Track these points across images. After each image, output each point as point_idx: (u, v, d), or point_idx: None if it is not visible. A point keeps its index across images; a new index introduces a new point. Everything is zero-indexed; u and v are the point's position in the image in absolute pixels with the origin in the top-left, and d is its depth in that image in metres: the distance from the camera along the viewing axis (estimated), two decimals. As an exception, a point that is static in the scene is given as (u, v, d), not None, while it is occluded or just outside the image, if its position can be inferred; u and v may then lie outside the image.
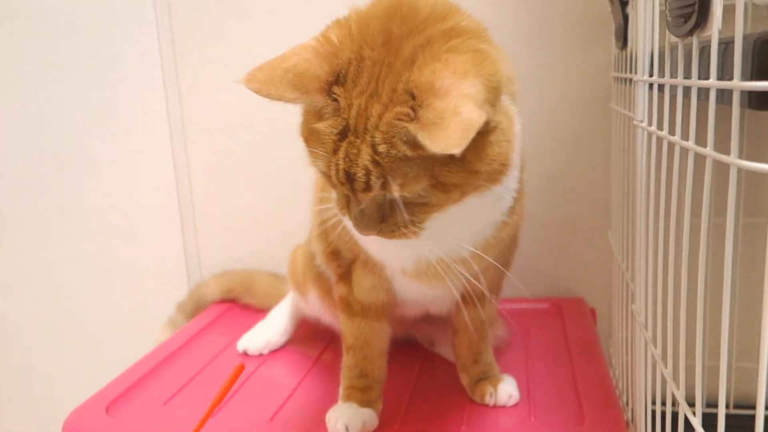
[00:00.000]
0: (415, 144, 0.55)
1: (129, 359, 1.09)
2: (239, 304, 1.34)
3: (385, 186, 0.58)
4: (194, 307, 1.33)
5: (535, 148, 1.25)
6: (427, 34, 0.58)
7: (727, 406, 1.14)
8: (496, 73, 0.58)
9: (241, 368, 0.98)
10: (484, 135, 0.57)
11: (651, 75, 0.68)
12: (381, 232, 0.63)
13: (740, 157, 0.43)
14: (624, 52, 0.94)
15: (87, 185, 1.43)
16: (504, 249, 0.81)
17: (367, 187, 0.58)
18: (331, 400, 0.86)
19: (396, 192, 0.58)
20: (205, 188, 1.42)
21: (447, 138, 0.51)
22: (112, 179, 1.42)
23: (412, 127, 0.54)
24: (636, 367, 0.81)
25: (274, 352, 1.10)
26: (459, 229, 0.70)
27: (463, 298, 0.84)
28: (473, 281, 0.75)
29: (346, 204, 0.63)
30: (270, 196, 1.40)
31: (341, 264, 0.86)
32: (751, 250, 1.14)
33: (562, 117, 1.25)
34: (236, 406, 0.92)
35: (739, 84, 0.41)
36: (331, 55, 0.60)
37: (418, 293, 0.85)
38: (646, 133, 0.69)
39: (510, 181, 0.68)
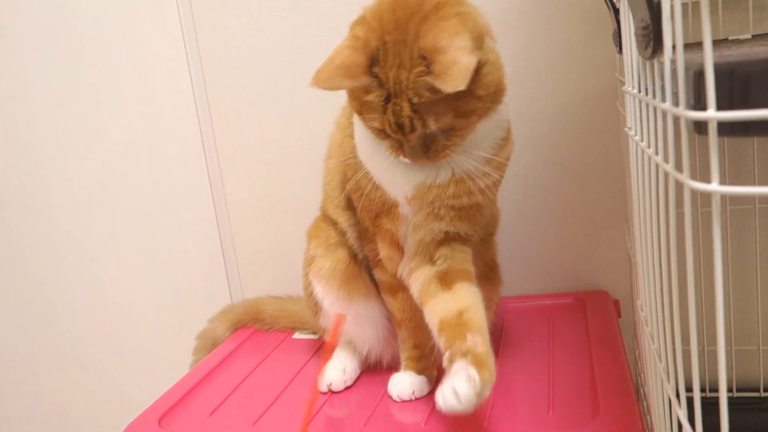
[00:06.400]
0: (434, 90, 0.75)
1: (173, 374, 1.17)
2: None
3: (424, 124, 0.79)
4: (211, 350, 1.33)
5: (548, 143, 1.29)
6: (422, 12, 0.77)
7: (730, 390, 1.17)
8: (477, 26, 0.78)
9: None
10: (479, 70, 0.77)
11: (633, 87, 0.71)
12: (429, 158, 0.83)
13: (693, 177, 0.46)
14: (621, 57, 0.97)
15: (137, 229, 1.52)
16: (494, 185, 0.93)
17: (413, 129, 0.79)
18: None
19: (433, 126, 0.79)
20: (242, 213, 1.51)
21: (454, 81, 0.72)
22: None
23: (429, 79, 0.75)
24: (646, 358, 0.85)
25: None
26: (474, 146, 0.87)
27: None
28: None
29: (400, 146, 0.83)
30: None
31: (373, 248, 1.00)
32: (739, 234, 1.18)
33: (574, 113, 1.29)
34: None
35: (683, 112, 0.45)
36: (363, 47, 0.79)
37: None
38: (632, 140, 0.73)
39: (504, 111, 0.88)
